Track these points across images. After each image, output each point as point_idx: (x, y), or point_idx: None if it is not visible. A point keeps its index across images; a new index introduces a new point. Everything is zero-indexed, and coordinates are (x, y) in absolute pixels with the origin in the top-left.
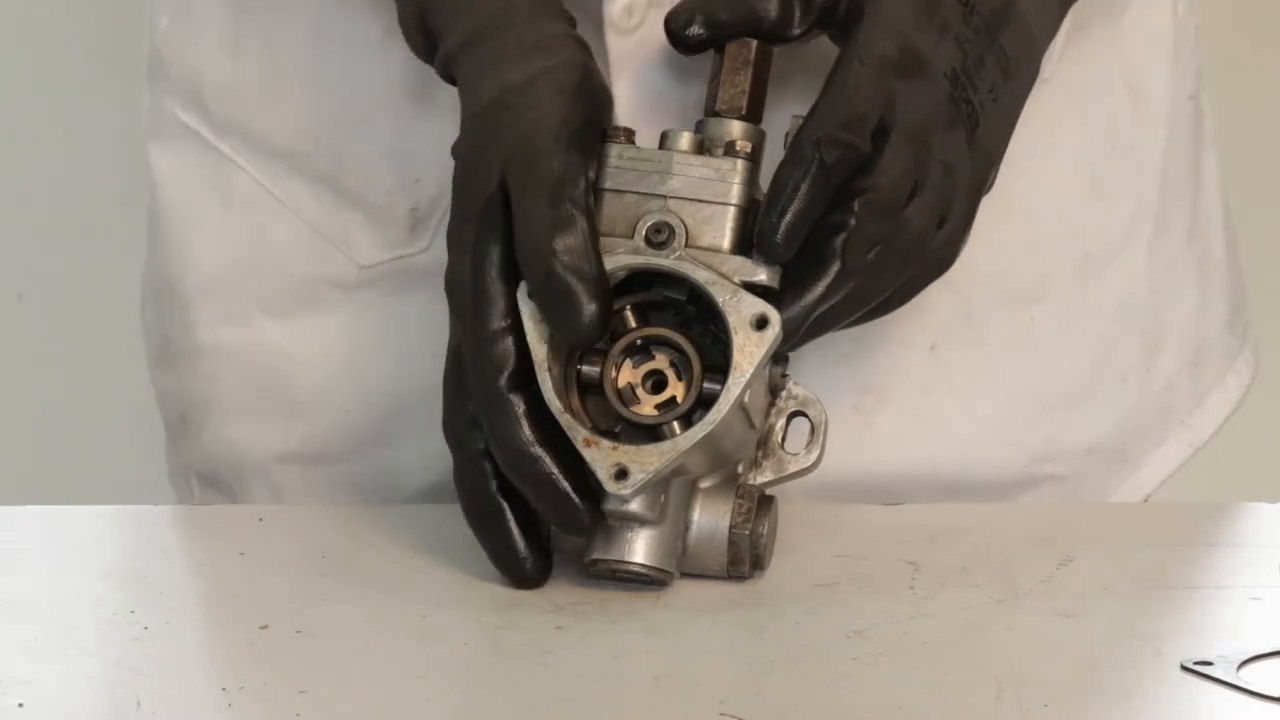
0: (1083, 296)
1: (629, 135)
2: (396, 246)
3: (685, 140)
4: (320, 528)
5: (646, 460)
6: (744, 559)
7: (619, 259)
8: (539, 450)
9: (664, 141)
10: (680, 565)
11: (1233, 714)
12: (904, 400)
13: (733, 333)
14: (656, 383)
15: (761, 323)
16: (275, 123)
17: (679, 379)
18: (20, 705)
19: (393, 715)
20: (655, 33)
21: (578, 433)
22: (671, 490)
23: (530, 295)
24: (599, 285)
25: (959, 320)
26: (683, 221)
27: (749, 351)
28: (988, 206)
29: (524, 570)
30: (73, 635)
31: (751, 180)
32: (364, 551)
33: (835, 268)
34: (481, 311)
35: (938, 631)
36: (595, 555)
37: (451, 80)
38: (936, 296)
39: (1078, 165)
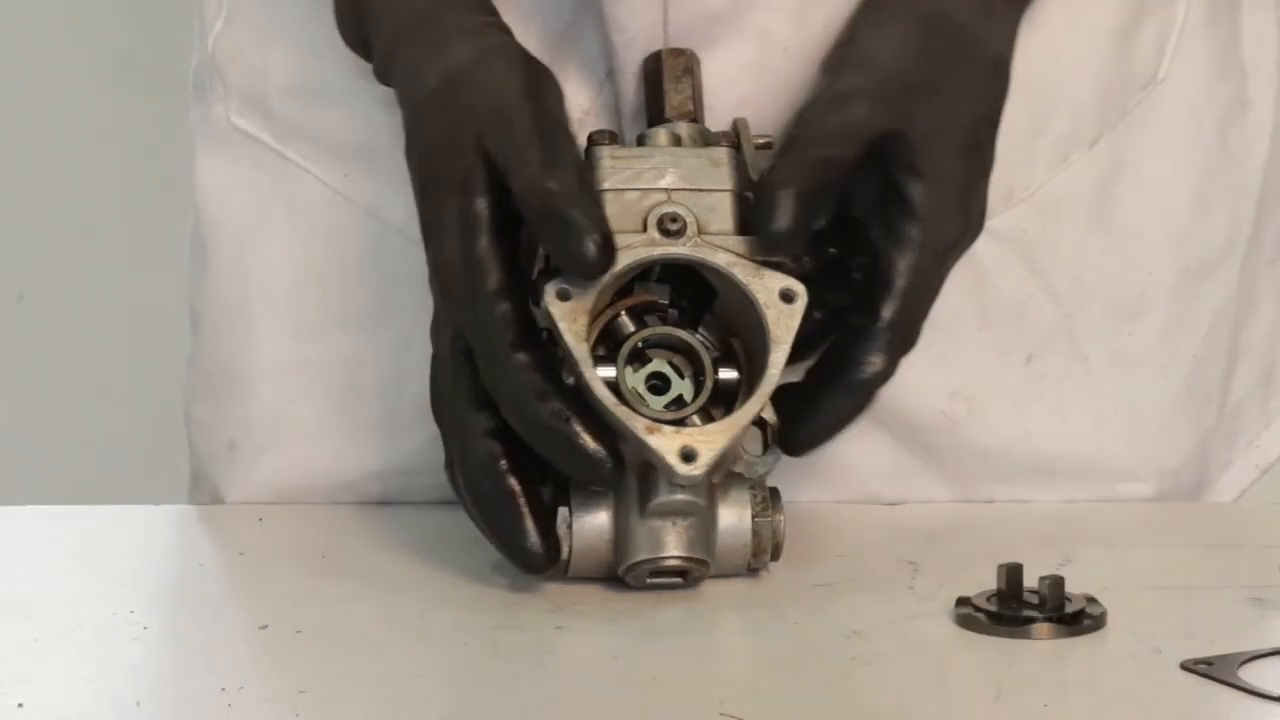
0: (1182, 313)
1: (613, 137)
2: None
3: (664, 136)
4: (320, 528)
5: (712, 439)
6: (766, 549)
7: (639, 252)
8: (559, 402)
9: (642, 141)
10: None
11: (1233, 714)
12: (994, 410)
13: (764, 309)
14: (654, 386)
15: (788, 295)
16: (352, 120)
17: (680, 378)
18: (20, 705)
19: (393, 715)
20: None
21: (638, 423)
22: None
23: (536, 234)
24: (602, 220)
25: (1060, 332)
26: (690, 210)
27: (784, 324)
28: (1096, 212)
29: (536, 555)
30: (73, 635)
31: (740, 165)
32: (364, 551)
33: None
34: (476, 281)
35: (938, 631)
36: (641, 557)
37: (386, 81)
38: (1039, 306)
39: (1185, 175)
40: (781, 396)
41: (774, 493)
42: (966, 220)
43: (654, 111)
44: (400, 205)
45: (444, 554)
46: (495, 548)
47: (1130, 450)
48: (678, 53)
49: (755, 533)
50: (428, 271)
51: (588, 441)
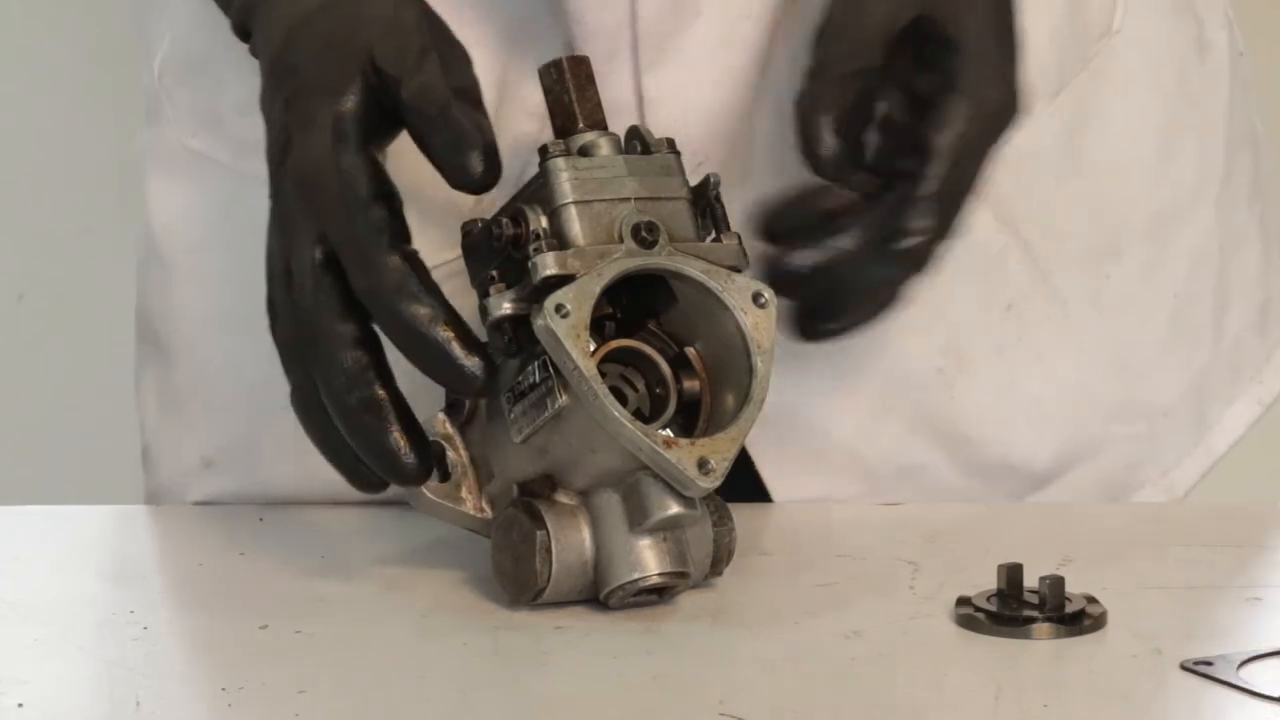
0: (1157, 255)
1: (566, 148)
2: (459, 247)
3: (607, 146)
4: (320, 528)
5: (722, 449)
6: (724, 557)
7: (623, 263)
8: (436, 306)
9: (588, 151)
10: None
11: (1233, 714)
12: (981, 361)
13: (741, 314)
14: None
15: (759, 298)
16: None
17: (634, 390)
18: (20, 705)
19: (393, 715)
20: None
21: (656, 438)
22: None
23: (421, 139)
24: (490, 136)
25: (1036, 279)
26: (659, 219)
27: (763, 327)
28: (1064, 162)
29: (409, 464)
30: (73, 635)
31: (683, 171)
32: (364, 551)
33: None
34: (350, 184)
35: (938, 631)
36: (631, 578)
37: (247, 25)
38: (1014, 256)
39: (1149, 120)
40: (799, 286)
41: (722, 503)
42: (1007, 90)
43: (562, 121)
44: None
45: (444, 554)
46: (348, 473)
47: (1115, 392)
48: (579, 60)
49: (716, 541)
50: (273, 183)
51: (459, 349)
